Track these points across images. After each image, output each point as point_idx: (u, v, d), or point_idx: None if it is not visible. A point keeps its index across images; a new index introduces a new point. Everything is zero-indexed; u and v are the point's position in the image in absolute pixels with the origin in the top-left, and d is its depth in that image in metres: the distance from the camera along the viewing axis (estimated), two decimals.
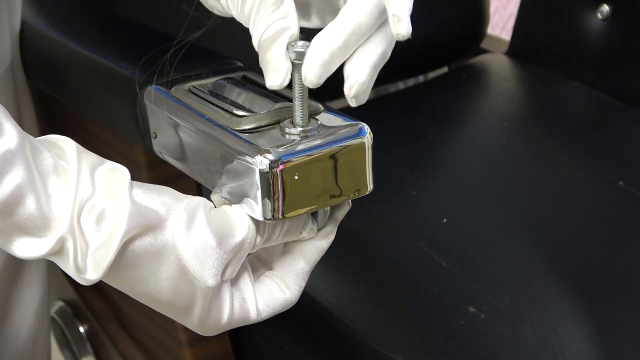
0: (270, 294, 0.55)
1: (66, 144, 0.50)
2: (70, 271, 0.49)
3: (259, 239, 0.53)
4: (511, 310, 0.78)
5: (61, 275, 1.09)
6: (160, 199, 0.51)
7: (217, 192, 0.56)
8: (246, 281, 0.55)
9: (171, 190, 0.52)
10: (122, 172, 0.50)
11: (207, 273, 0.51)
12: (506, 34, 1.69)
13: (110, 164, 0.51)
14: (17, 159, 0.47)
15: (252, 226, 0.53)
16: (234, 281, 0.54)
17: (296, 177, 0.51)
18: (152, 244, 0.50)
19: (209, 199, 0.57)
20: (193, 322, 0.53)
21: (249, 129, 0.54)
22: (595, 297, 0.79)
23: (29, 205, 0.47)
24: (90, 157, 0.51)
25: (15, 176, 0.47)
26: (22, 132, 0.48)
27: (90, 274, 0.49)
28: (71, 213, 0.48)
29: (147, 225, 0.49)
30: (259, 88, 0.60)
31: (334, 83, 1.09)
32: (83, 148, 0.51)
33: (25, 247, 0.48)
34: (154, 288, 0.51)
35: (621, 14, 1.09)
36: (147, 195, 0.51)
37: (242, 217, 0.53)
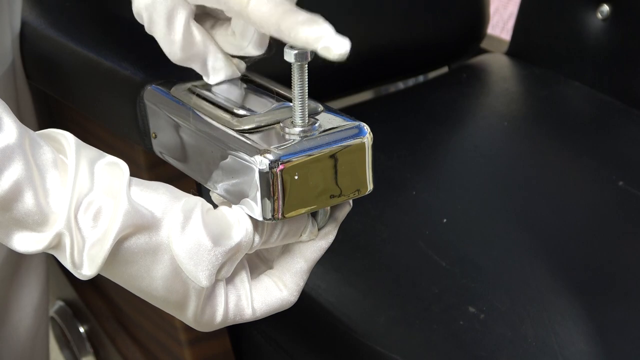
0: (267, 292, 0.55)
1: (66, 138, 0.51)
2: (68, 265, 0.49)
3: (256, 241, 0.53)
4: (511, 310, 0.78)
5: (61, 275, 1.09)
6: (157, 198, 0.51)
7: (217, 192, 0.56)
8: (242, 279, 0.55)
9: (170, 189, 0.52)
10: (121, 168, 0.50)
11: (201, 274, 0.51)
12: (506, 34, 1.69)
13: (109, 158, 0.51)
14: (16, 154, 0.47)
15: (250, 229, 0.53)
16: (230, 279, 0.54)
17: (296, 177, 0.51)
18: (147, 243, 0.50)
19: (209, 198, 0.57)
20: (188, 318, 0.53)
21: (249, 129, 0.54)
22: (595, 297, 0.79)
23: (27, 200, 0.47)
24: (89, 151, 0.51)
25: (14, 172, 0.47)
26: (21, 126, 0.48)
27: (86, 270, 0.49)
28: (68, 208, 0.48)
29: (142, 224, 0.49)
30: (259, 88, 0.60)
31: (334, 83, 1.09)
32: (82, 142, 0.51)
33: (24, 242, 0.49)
34: (148, 285, 0.51)
35: (621, 14, 1.09)
36: (145, 193, 0.51)
37: (240, 219, 0.53)
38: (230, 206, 0.54)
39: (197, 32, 0.59)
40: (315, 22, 0.50)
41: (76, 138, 0.51)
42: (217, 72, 0.60)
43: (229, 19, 0.61)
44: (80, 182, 0.49)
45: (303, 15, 0.50)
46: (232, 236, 0.52)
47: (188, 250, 0.50)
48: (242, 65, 0.62)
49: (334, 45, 0.48)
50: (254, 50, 0.60)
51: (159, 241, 0.50)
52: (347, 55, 0.48)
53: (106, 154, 0.52)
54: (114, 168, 0.51)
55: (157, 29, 0.59)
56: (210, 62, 0.60)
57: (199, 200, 0.52)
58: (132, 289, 0.52)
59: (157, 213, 0.50)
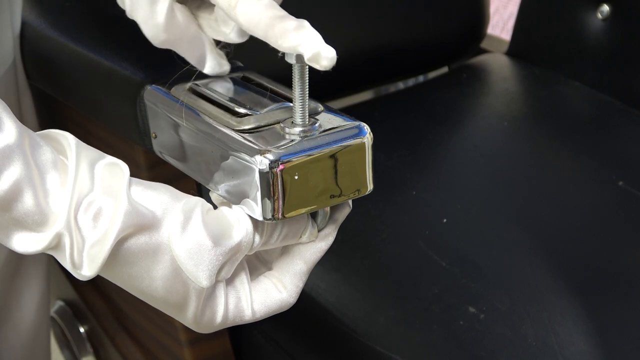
0: (266, 293, 0.55)
1: (66, 138, 0.51)
2: (67, 266, 0.49)
3: (256, 242, 0.53)
4: (511, 310, 0.78)
5: (61, 275, 1.09)
6: (158, 198, 0.51)
7: (217, 192, 0.56)
8: (242, 280, 0.55)
9: (170, 189, 0.52)
10: (121, 169, 0.50)
11: (201, 274, 0.51)
12: (506, 34, 1.69)
13: (109, 159, 0.51)
14: (16, 155, 0.47)
15: (250, 229, 0.53)
16: (230, 280, 0.54)
17: (296, 177, 0.51)
18: (147, 243, 0.50)
19: (209, 198, 0.57)
20: (187, 319, 0.53)
21: (249, 129, 0.54)
22: (595, 297, 0.79)
23: (27, 200, 0.47)
24: (90, 152, 0.51)
25: (14, 172, 0.47)
26: (21, 127, 0.48)
27: (86, 270, 0.49)
28: (68, 209, 0.48)
29: (142, 224, 0.49)
30: (259, 88, 0.60)
31: (334, 83, 1.09)
32: (83, 143, 0.51)
33: (24, 242, 0.49)
34: (148, 286, 0.51)
35: (621, 14, 1.09)
36: (145, 193, 0.51)
37: (240, 219, 0.53)
38: (230, 206, 0.54)
39: (180, 14, 0.59)
40: (304, 30, 0.50)
41: (76, 139, 0.51)
42: (200, 56, 0.60)
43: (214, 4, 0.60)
44: (80, 183, 0.49)
45: (291, 22, 0.50)
46: (232, 236, 0.52)
47: (188, 250, 0.50)
48: (224, 58, 0.62)
49: (322, 54, 0.48)
50: (236, 37, 0.60)
51: (159, 241, 0.50)
52: (333, 65, 0.49)
53: (106, 155, 0.52)
54: (114, 168, 0.51)
55: (139, 13, 0.58)
56: (192, 46, 0.60)
57: (199, 201, 0.52)
58: (131, 290, 0.52)
59: (157, 213, 0.50)
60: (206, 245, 0.51)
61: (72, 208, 0.48)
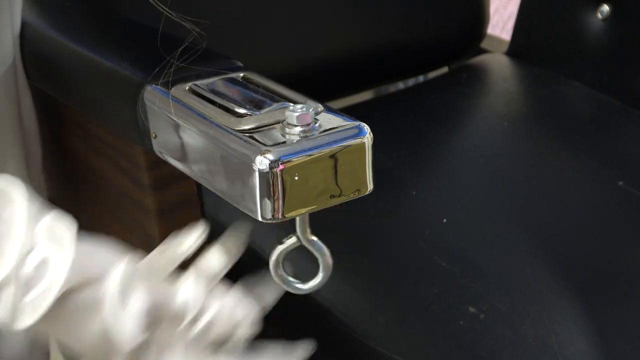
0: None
1: (15, 190, 0.51)
2: (5, 316, 0.49)
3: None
4: (511, 310, 0.77)
5: None
6: (102, 256, 0.52)
7: (216, 193, 0.56)
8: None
9: (114, 247, 0.53)
10: (67, 224, 0.51)
11: (126, 337, 0.51)
12: (506, 34, 1.69)
13: (56, 213, 0.52)
14: None
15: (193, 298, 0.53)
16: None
17: (296, 177, 0.51)
18: (84, 299, 0.51)
19: (209, 199, 0.57)
20: None
21: (249, 129, 0.54)
22: (595, 297, 0.79)
23: None
24: (37, 205, 0.51)
25: None
26: None
27: (21, 322, 0.50)
28: (12, 262, 0.48)
29: (85, 280, 0.50)
30: (259, 88, 0.60)
31: (334, 83, 1.08)
32: (31, 194, 0.51)
33: None
34: (80, 337, 0.52)
35: (621, 14, 1.09)
36: (90, 250, 0.51)
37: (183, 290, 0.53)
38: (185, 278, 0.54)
39: None
40: None
41: (26, 189, 0.51)
42: None
43: None
44: (25, 236, 0.49)
45: None
46: (169, 305, 0.52)
47: (117, 315, 0.51)
48: None
49: None
50: None
51: (95, 298, 0.51)
52: None
53: (54, 209, 0.52)
54: (59, 224, 0.51)
55: None
56: None
57: (140, 266, 0.53)
58: (61, 337, 0.53)
59: (99, 270, 0.51)
60: (136, 311, 0.51)
61: (15, 261, 0.48)
